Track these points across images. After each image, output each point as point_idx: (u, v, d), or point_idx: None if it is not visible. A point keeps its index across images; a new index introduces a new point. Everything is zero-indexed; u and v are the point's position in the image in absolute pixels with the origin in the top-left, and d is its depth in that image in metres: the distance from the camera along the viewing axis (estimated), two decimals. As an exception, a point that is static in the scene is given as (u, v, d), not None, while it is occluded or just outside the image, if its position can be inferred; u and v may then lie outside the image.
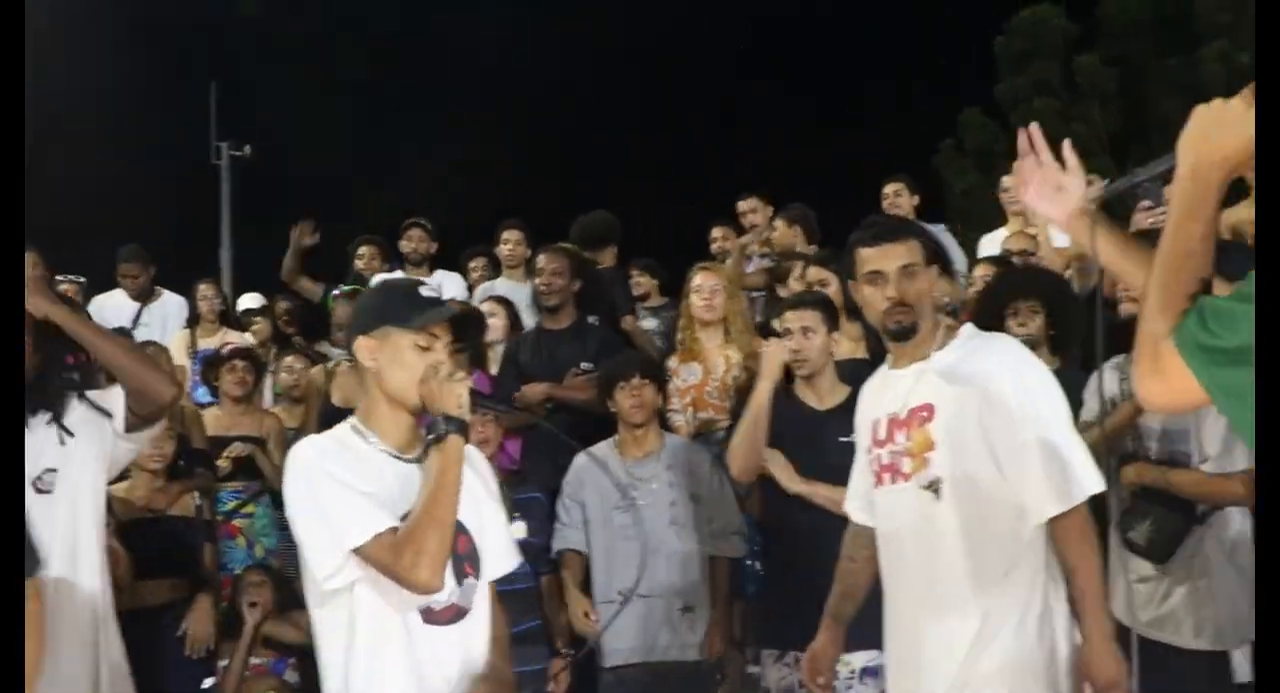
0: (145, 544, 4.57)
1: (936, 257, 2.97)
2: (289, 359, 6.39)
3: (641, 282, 7.01)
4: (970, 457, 2.72)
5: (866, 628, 3.09)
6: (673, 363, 5.23)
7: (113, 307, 7.36)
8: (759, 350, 4.80)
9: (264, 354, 7.15)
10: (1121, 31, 21.25)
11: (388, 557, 2.30)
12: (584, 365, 5.09)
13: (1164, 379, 1.59)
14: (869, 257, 2.89)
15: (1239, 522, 3.47)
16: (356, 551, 2.31)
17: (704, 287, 5.14)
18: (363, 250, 7.33)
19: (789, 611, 3.80)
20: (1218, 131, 1.67)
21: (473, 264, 7.45)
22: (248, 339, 7.18)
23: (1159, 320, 1.60)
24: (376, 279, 6.09)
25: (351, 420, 2.51)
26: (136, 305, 7.44)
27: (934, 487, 2.74)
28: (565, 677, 4.39)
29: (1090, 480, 2.70)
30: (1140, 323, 1.64)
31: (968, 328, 2.95)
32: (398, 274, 7.05)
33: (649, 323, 6.51)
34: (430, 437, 2.42)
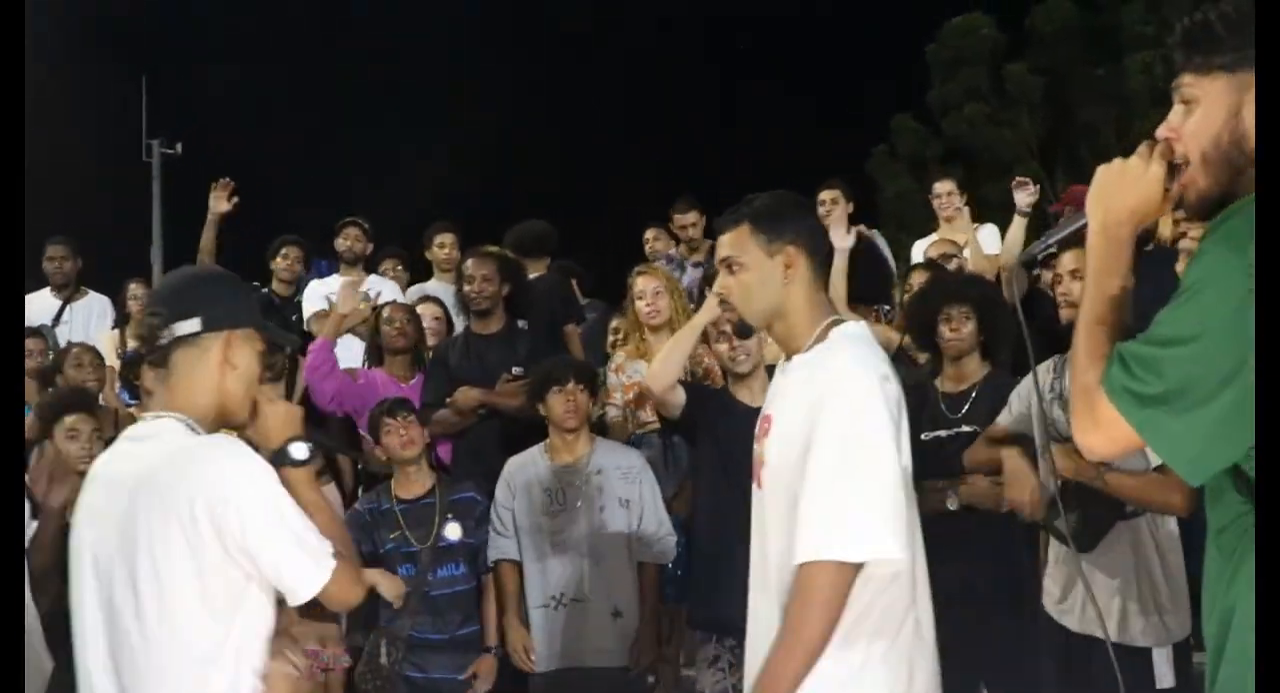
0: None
1: (794, 238, 2.51)
2: None
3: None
4: (788, 472, 2.41)
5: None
6: (619, 358, 5.23)
7: (37, 306, 7.19)
8: (703, 354, 4.84)
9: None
10: (1049, 40, 21.65)
11: (344, 576, 2.25)
12: (515, 370, 5.08)
13: (1102, 429, 1.63)
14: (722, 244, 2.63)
15: (1171, 521, 3.55)
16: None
17: (646, 290, 5.12)
18: (286, 251, 7.08)
19: (720, 597, 3.79)
20: (1120, 189, 1.75)
21: (384, 265, 7.38)
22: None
23: (1089, 371, 1.64)
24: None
25: (179, 419, 2.32)
26: (59, 303, 7.30)
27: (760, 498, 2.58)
28: (490, 675, 4.39)
29: (857, 546, 2.27)
30: (1073, 377, 1.70)
31: (840, 329, 2.49)
32: (335, 277, 7.00)
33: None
34: (290, 462, 2.36)
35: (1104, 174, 1.78)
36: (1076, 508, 3.42)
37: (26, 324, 6.68)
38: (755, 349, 4.12)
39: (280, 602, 2.27)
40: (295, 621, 3.10)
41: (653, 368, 4.21)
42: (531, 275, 6.13)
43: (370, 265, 7.18)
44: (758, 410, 3.98)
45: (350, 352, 6.27)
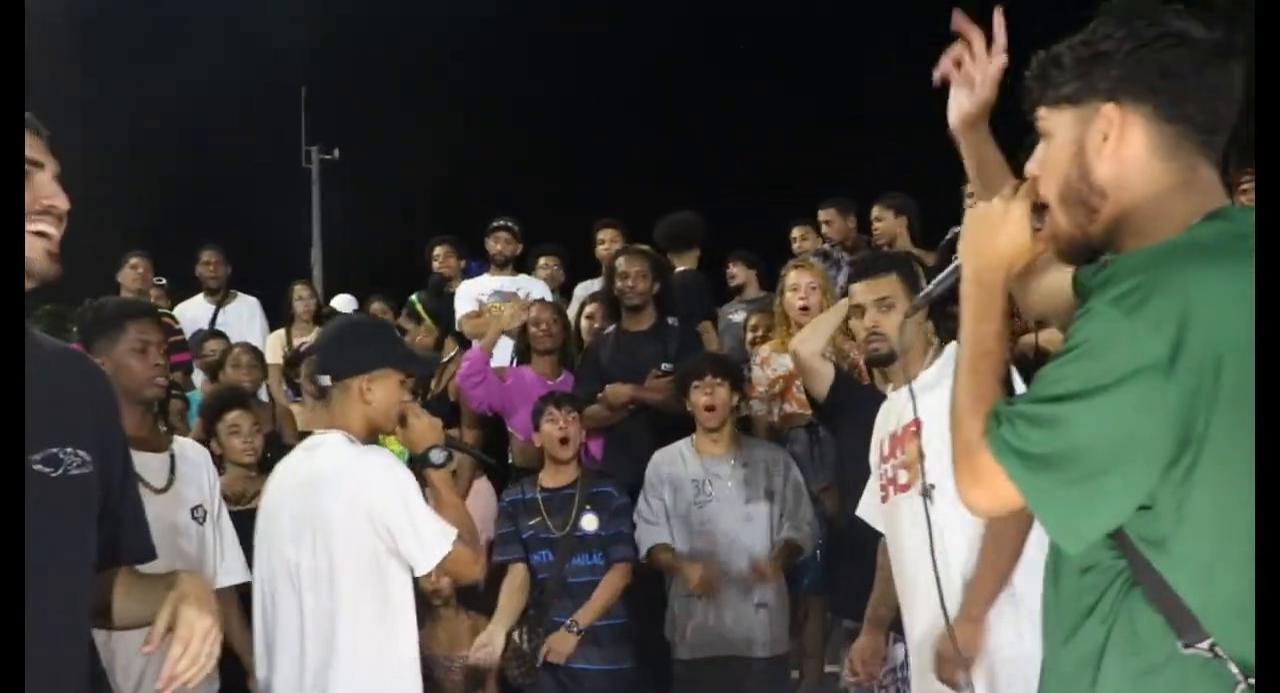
0: (240, 537, 4.70)
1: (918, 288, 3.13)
2: None
3: (737, 272, 7.03)
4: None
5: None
6: (765, 351, 5.27)
7: (191, 313, 7.59)
8: (849, 349, 4.81)
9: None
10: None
11: (466, 553, 2.99)
12: (664, 366, 5.13)
13: (984, 485, 1.51)
14: (854, 292, 3.29)
15: None
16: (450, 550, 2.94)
17: (800, 284, 5.17)
18: (438, 250, 7.58)
19: (861, 592, 3.85)
20: (988, 234, 1.67)
21: (542, 262, 7.50)
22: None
23: (970, 424, 1.53)
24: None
25: (343, 435, 3.03)
26: (212, 308, 7.65)
27: (928, 493, 2.81)
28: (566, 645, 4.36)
29: None
30: (952, 429, 1.58)
31: (950, 346, 3.01)
32: (484, 277, 7.16)
33: (738, 316, 6.51)
34: (433, 465, 3.14)
35: (972, 218, 1.70)
36: None
37: (186, 329, 7.04)
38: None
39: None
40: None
41: (802, 332, 4.29)
42: (680, 269, 6.17)
43: (522, 263, 7.34)
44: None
45: (500, 350, 6.41)
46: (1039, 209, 1.65)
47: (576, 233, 7.66)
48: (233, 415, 4.67)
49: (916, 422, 2.79)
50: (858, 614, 4.00)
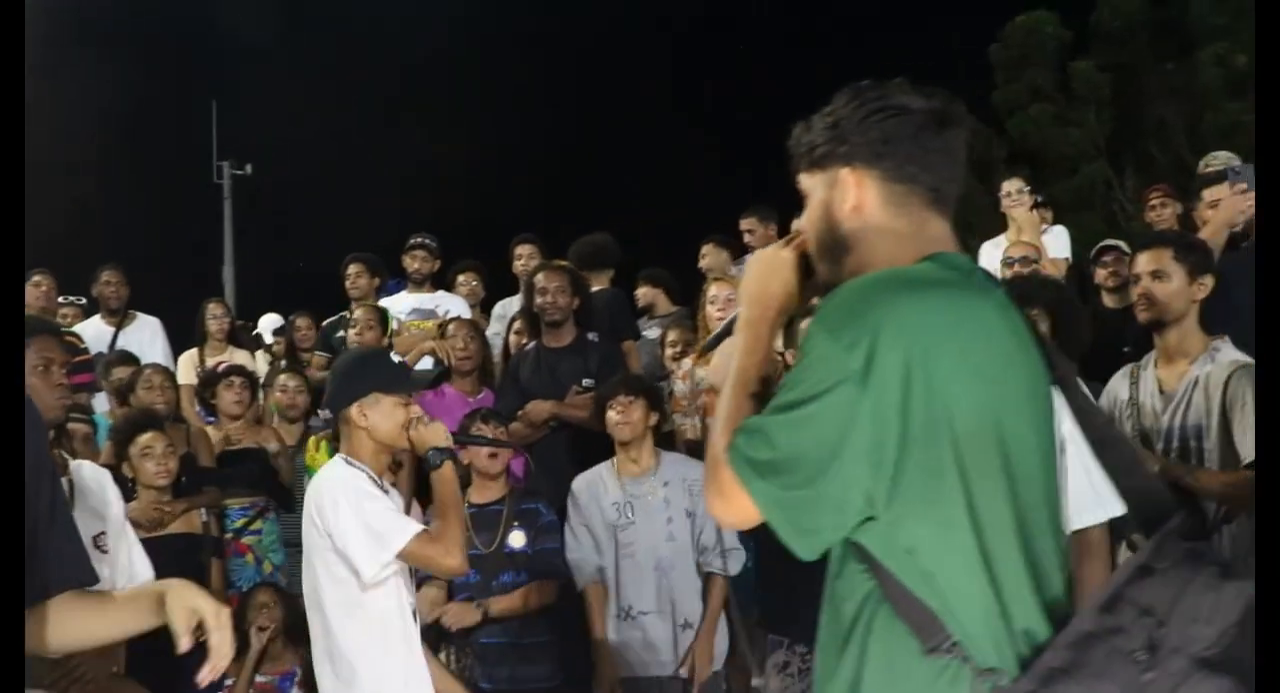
0: (152, 562, 4.59)
1: None
2: (283, 378, 6.36)
3: (644, 293, 7.04)
4: None
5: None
6: (686, 364, 5.27)
7: (89, 333, 7.34)
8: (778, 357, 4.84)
9: (271, 374, 7.18)
10: (1116, 36, 21.30)
11: (428, 549, 3.16)
12: (585, 383, 5.11)
13: (724, 497, 1.65)
14: None
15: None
16: (402, 549, 3.12)
17: (719, 297, 5.18)
18: (351, 269, 7.37)
19: (791, 605, 3.83)
20: (765, 277, 1.86)
21: (461, 278, 7.47)
22: (258, 358, 7.22)
23: (718, 442, 1.69)
24: (357, 338, 6.22)
25: (342, 457, 3.32)
26: (112, 330, 7.45)
27: None
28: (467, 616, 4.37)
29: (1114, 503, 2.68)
30: (707, 447, 1.74)
31: None
32: (402, 294, 7.10)
33: (652, 333, 6.52)
34: (430, 466, 3.31)
35: (753, 262, 1.91)
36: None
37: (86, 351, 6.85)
38: None
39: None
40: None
41: (714, 363, 4.24)
42: (594, 289, 6.16)
43: (441, 280, 7.27)
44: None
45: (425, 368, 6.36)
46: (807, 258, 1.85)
47: (494, 249, 7.63)
48: (145, 438, 4.57)
49: None
50: (786, 628, 4.01)
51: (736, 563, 4.45)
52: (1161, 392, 3.63)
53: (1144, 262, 3.69)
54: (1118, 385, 3.77)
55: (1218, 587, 1.46)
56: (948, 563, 1.58)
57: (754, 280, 1.87)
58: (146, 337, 7.56)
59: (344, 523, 3.12)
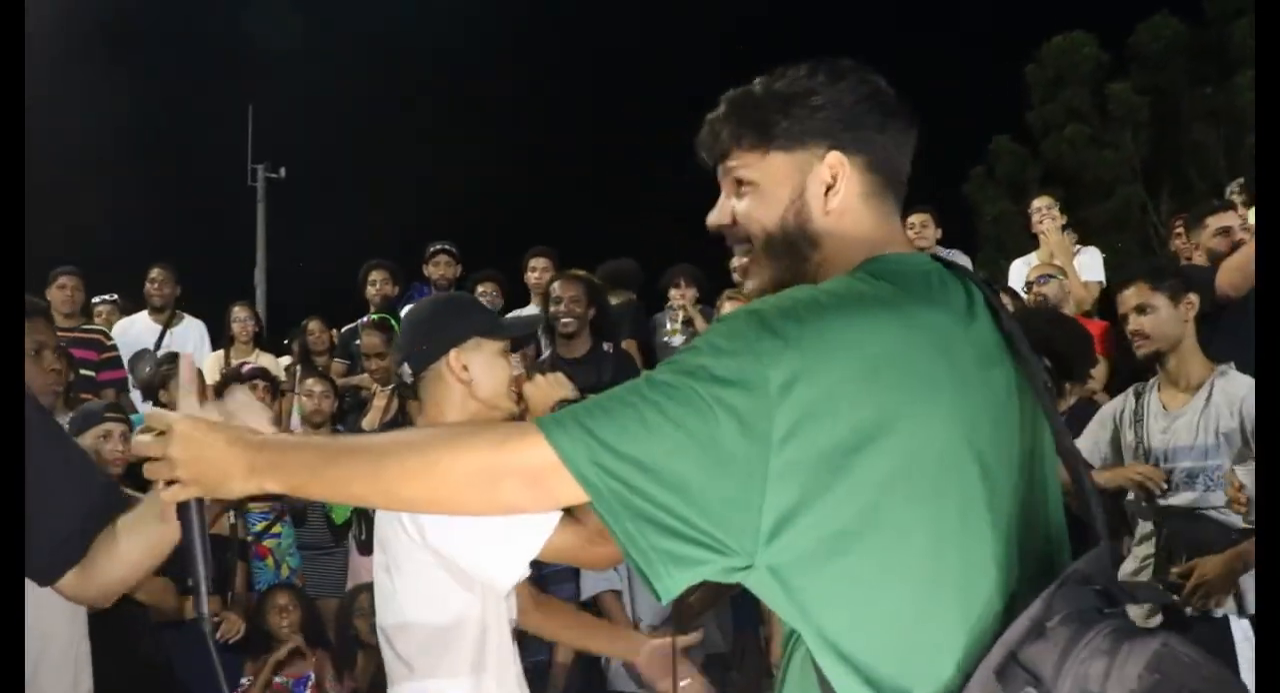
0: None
1: None
2: (309, 382, 6.28)
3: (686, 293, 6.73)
4: None
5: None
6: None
7: (136, 330, 7.39)
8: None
9: (288, 379, 7.19)
10: (1155, 58, 21.16)
11: (578, 538, 2.31)
12: (600, 393, 5.08)
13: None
14: None
15: None
16: (546, 541, 2.31)
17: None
18: (374, 276, 7.35)
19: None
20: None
21: (480, 288, 7.43)
22: (282, 362, 7.23)
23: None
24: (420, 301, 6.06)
25: None
26: (159, 328, 7.46)
27: None
28: None
29: None
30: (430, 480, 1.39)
31: None
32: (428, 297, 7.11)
33: (679, 339, 6.51)
34: None
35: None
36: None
37: (130, 348, 6.88)
38: None
39: None
40: None
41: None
42: (614, 302, 6.16)
43: (463, 287, 7.26)
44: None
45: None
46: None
47: (509, 261, 7.61)
48: (107, 425, 4.56)
49: None
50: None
51: (617, 580, 4.44)
52: (1165, 411, 3.60)
53: (1126, 300, 3.66)
54: (1121, 404, 3.76)
55: (1111, 651, 1.24)
56: (856, 609, 1.36)
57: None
58: (195, 337, 7.57)
59: (458, 521, 2.29)
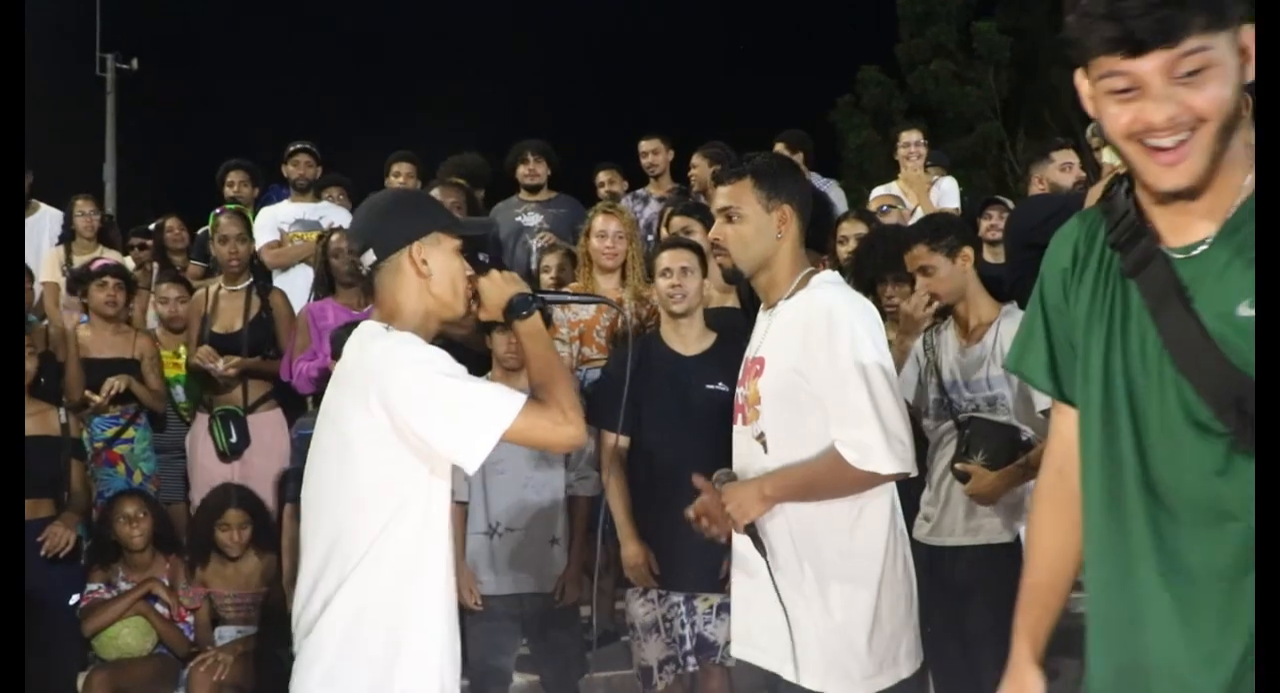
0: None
1: (789, 198, 2.82)
2: (165, 287, 6.14)
3: (536, 170, 6.68)
4: (794, 410, 2.72)
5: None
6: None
7: None
8: (648, 294, 4.82)
9: (143, 277, 6.97)
10: (1020, 0, 21.62)
11: (541, 420, 2.36)
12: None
13: None
14: (713, 197, 2.96)
15: None
16: (512, 423, 2.33)
17: (607, 231, 5.04)
18: (232, 177, 7.20)
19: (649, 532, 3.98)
20: None
21: (328, 193, 7.17)
22: (128, 260, 6.99)
23: None
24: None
25: (378, 325, 2.48)
26: None
27: (761, 439, 2.79)
28: None
29: (898, 463, 2.65)
30: None
31: (820, 276, 2.86)
32: (285, 204, 6.94)
33: (533, 219, 6.49)
34: (516, 317, 2.54)
35: None
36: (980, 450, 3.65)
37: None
38: (694, 293, 4.11)
39: None
40: None
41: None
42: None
43: (317, 190, 7.09)
44: (691, 359, 4.07)
45: (302, 280, 6.24)
46: None
47: (369, 162, 7.47)
48: None
49: (760, 360, 2.82)
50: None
51: (597, 486, 4.42)
52: (963, 355, 3.78)
53: (910, 263, 3.84)
54: (916, 349, 3.93)
55: None
56: None
57: None
58: (49, 227, 7.27)
59: (420, 403, 2.30)
